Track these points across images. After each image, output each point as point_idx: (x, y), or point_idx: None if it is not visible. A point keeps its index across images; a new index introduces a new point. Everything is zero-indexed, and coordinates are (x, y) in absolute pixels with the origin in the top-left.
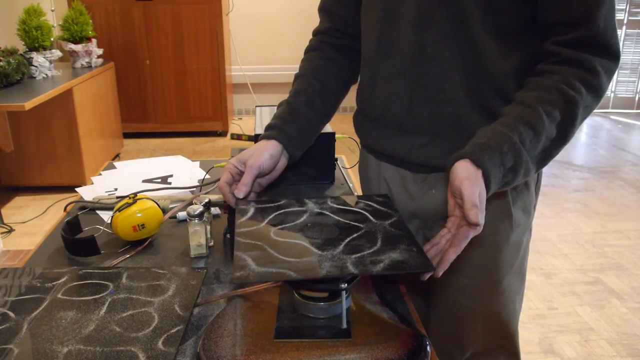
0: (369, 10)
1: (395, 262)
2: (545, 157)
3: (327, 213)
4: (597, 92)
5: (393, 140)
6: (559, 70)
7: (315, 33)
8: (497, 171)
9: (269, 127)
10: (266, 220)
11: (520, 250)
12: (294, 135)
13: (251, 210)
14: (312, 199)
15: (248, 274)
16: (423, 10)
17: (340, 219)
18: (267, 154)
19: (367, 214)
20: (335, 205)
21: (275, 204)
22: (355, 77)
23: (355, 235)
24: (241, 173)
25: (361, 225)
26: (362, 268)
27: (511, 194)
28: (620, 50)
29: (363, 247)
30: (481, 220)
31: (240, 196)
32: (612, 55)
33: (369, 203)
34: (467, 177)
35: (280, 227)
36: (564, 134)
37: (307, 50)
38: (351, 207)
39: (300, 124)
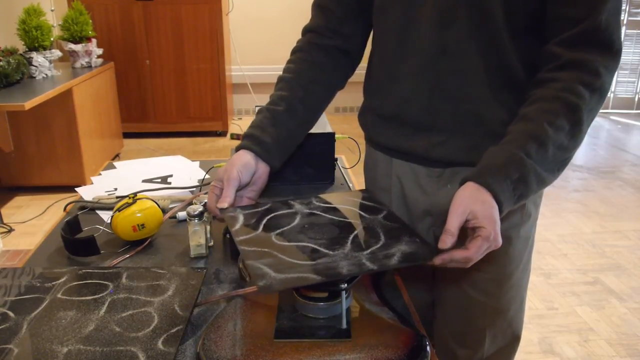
0: (385, 11)
1: (406, 254)
2: (562, 164)
3: (319, 213)
4: (600, 92)
5: (410, 139)
6: (559, 77)
7: (305, 31)
8: (502, 185)
9: (245, 137)
10: (261, 226)
11: (528, 245)
12: (272, 146)
13: (240, 217)
14: (296, 200)
15: (270, 282)
16: (444, 10)
17: (334, 217)
18: (239, 164)
19: (356, 209)
20: (322, 204)
21: (263, 208)
22: (343, 82)
23: (356, 232)
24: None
25: (356, 221)
26: (378, 263)
27: None
28: (622, 47)
29: (369, 242)
30: (499, 239)
31: (224, 206)
32: (614, 52)
33: (354, 200)
34: (477, 200)
35: (278, 231)
36: (574, 139)
37: (294, 51)
38: (338, 204)
39: (279, 133)
